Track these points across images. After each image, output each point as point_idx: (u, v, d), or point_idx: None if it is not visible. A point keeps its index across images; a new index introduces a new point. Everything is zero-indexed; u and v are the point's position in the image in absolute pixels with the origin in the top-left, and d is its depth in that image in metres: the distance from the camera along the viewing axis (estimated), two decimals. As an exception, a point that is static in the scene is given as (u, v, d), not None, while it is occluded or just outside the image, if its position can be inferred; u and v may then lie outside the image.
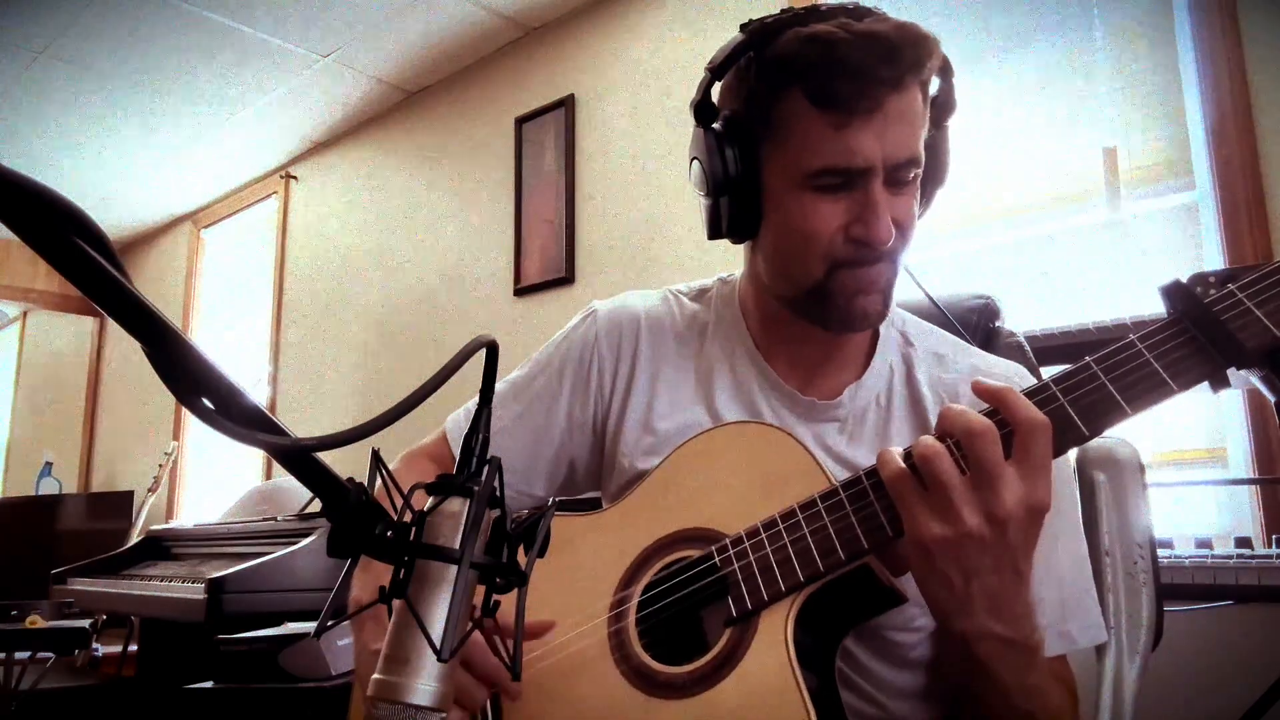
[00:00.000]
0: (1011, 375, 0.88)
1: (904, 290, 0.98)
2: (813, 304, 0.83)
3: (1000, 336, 1.08)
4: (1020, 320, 1.16)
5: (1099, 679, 0.91)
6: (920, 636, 0.84)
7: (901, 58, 0.74)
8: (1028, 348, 1.08)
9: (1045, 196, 2.06)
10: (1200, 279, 0.70)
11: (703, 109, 0.86)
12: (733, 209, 0.84)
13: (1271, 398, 0.76)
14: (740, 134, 0.83)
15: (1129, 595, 0.92)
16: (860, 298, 0.81)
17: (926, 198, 0.87)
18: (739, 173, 0.83)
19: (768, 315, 0.92)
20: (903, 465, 0.68)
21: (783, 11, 0.81)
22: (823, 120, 0.76)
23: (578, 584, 0.83)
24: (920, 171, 0.81)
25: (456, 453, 0.52)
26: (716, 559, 0.76)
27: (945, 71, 0.84)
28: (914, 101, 0.77)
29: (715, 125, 0.85)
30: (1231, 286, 0.65)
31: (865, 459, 0.74)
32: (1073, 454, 0.96)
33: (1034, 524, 0.66)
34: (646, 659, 0.76)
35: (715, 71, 0.84)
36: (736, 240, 0.88)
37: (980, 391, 0.67)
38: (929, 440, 0.67)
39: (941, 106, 0.85)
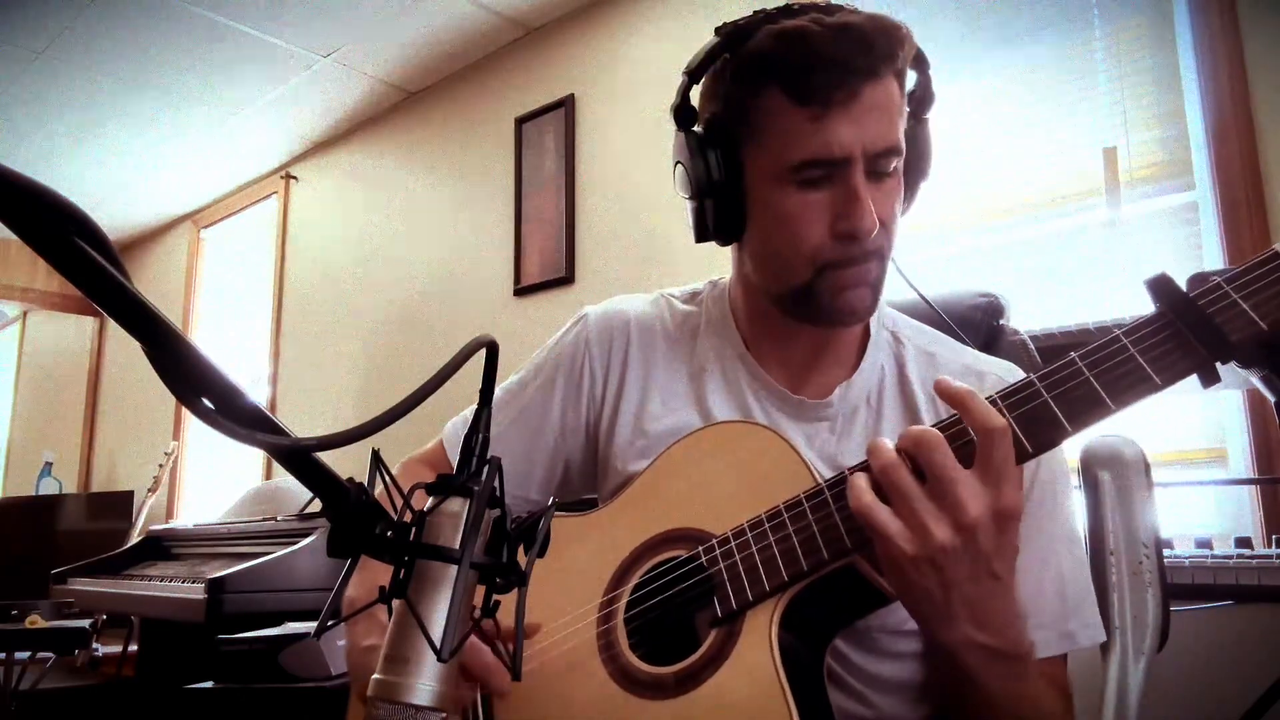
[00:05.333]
0: (1003, 374, 0.88)
1: (899, 290, 0.97)
2: (801, 301, 0.83)
3: (1004, 334, 1.08)
4: (1019, 320, 1.16)
5: (1103, 680, 0.91)
6: (911, 634, 0.84)
7: (875, 47, 0.75)
8: (1032, 346, 1.07)
9: (1045, 196, 2.06)
10: (1200, 279, 0.69)
11: (682, 113, 0.87)
12: (718, 211, 0.85)
13: (1271, 398, 0.76)
14: (721, 136, 0.84)
15: (1134, 595, 0.91)
16: (847, 293, 0.81)
17: (910, 192, 0.87)
18: (721, 175, 0.83)
19: (756, 315, 0.92)
20: (869, 494, 0.67)
21: (755, 13, 0.82)
22: (800, 114, 0.76)
23: (568, 584, 0.83)
24: (901, 161, 0.81)
25: (454, 459, 0.51)
26: (703, 559, 0.76)
27: (921, 64, 0.84)
28: (890, 91, 0.77)
29: (696, 128, 0.86)
30: (1218, 279, 0.64)
31: (855, 459, 0.74)
32: (1075, 453, 0.96)
33: (1005, 530, 0.65)
34: (633, 659, 0.76)
35: (692, 75, 0.85)
36: (723, 242, 0.89)
37: (941, 392, 0.67)
38: (885, 453, 0.66)
39: (920, 99, 0.86)
